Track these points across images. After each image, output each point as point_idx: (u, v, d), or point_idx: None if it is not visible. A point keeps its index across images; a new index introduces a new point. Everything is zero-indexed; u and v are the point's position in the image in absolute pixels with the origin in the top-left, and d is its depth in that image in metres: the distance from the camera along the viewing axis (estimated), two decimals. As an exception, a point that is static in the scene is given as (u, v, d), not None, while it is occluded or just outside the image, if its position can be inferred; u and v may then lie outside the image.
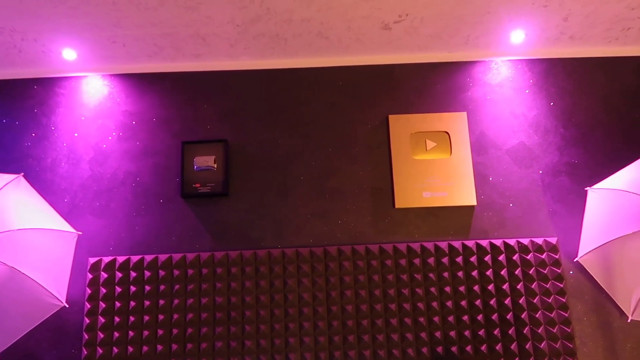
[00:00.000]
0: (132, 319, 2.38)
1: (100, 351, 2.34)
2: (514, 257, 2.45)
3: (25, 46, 2.49)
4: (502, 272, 2.43)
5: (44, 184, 2.55)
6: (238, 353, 2.35)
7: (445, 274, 2.44)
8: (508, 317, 2.39)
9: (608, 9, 2.39)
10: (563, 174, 2.60)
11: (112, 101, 2.69)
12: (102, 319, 2.38)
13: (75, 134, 2.64)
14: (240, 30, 2.45)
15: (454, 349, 2.36)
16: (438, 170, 2.56)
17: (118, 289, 2.41)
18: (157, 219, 2.54)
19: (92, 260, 2.45)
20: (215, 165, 2.54)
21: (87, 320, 2.38)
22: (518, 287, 2.42)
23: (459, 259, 2.46)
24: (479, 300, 2.41)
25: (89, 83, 2.71)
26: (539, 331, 2.36)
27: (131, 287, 2.42)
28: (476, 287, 2.42)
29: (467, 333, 2.38)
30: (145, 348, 2.35)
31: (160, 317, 2.39)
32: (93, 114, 2.67)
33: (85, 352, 2.34)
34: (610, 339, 2.40)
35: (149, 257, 2.45)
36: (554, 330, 2.37)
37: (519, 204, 2.56)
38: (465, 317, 2.39)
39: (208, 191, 2.52)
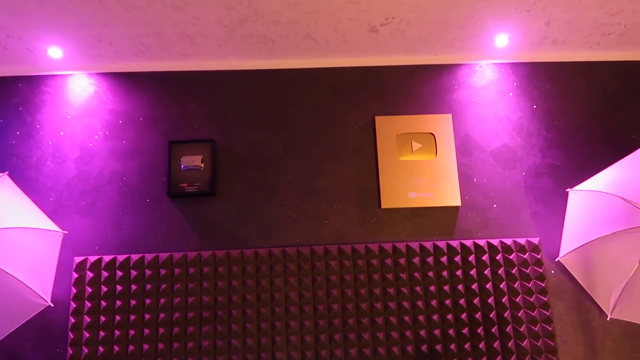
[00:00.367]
0: (118, 318, 2.37)
1: (86, 350, 2.33)
2: (497, 257, 2.49)
3: (10, 44, 2.47)
4: (486, 272, 2.47)
5: (29, 183, 2.53)
6: (225, 352, 2.36)
7: (430, 274, 2.47)
8: (491, 315, 2.42)
9: (589, 15, 2.44)
10: (545, 176, 2.65)
11: (99, 100, 2.68)
12: (87, 318, 2.37)
13: (61, 133, 2.62)
14: (228, 31, 2.45)
15: (438, 347, 2.39)
16: (423, 171, 2.60)
17: (104, 288, 2.40)
18: (143, 218, 2.53)
19: (77, 259, 2.44)
20: (203, 165, 2.55)
21: (72, 320, 2.36)
22: (501, 286, 2.46)
23: (444, 259, 2.49)
24: (463, 299, 2.44)
25: (75, 81, 2.70)
26: (521, 329, 2.41)
27: (117, 286, 2.41)
28: (460, 286, 2.46)
29: (451, 331, 2.41)
30: (131, 347, 2.35)
31: (147, 316, 2.38)
32: (79, 113, 2.66)
33: (71, 352, 2.33)
34: (590, 336, 2.45)
35: (135, 257, 2.45)
36: (536, 329, 2.41)
37: (503, 204, 2.60)
38: (450, 316, 2.43)
39: (195, 191, 2.53)
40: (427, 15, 2.39)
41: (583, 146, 2.69)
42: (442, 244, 2.51)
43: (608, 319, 2.21)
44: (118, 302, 2.39)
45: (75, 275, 2.42)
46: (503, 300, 2.44)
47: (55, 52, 2.55)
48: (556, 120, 2.72)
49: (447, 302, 2.44)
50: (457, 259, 2.49)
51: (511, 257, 2.49)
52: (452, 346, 2.39)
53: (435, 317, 2.42)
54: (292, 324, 2.40)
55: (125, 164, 2.60)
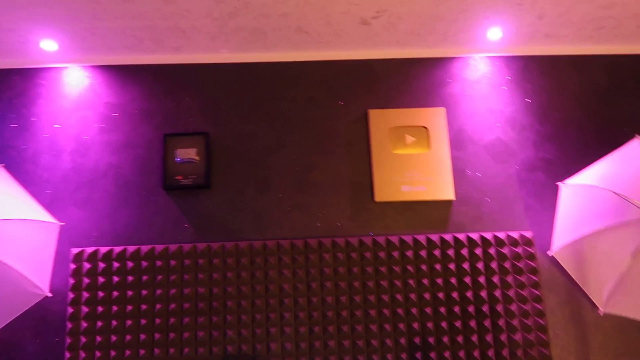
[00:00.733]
0: (115, 308, 2.41)
1: (84, 340, 2.37)
2: (491, 250, 2.50)
3: (2, 36, 2.46)
4: (479, 265, 2.49)
5: (25, 175, 2.55)
6: (220, 342, 2.39)
7: (423, 267, 2.48)
8: (484, 308, 2.44)
9: (580, 9, 2.42)
10: (538, 170, 2.65)
11: (93, 93, 2.69)
12: (85, 309, 2.40)
13: (56, 125, 2.64)
14: (220, 24, 2.45)
15: (431, 339, 2.41)
16: (417, 164, 2.60)
17: (101, 279, 2.44)
18: (139, 210, 2.55)
19: (74, 250, 2.47)
20: (197, 158, 2.56)
21: (70, 310, 2.40)
22: (494, 279, 2.47)
23: (437, 252, 2.50)
24: (456, 292, 2.46)
25: (70, 74, 2.71)
26: (514, 322, 2.42)
27: (114, 277, 2.44)
28: (453, 280, 2.47)
29: (443, 324, 2.43)
30: (128, 337, 2.38)
31: (143, 306, 2.41)
32: (74, 106, 2.67)
33: (69, 341, 2.37)
34: (582, 330, 2.47)
35: (131, 248, 2.47)
36: (528, 322, 2.43)
37: (496, 198, 2.61)
38: (442, 309, 2.44)
39: (190, 183, 2.54)
40: (417, 9, 2.37)
41: (575, 140, 2.68)
42: (435, 237, 2.52)
43: (600, 313, 2.22)
44: (115, 293, 2.42)
45: (72, 266, 2.45)
46: (496, 293, 2.46)
47: (48, 44, 2.55)
48: (549, 114, 2.71)
49: (440, 294, 2.45)
50: (451, 252, 2.50)
51: (504, 250, 2.50)
52: (445, 339, 2.41)
53: (428, 309, 2.44)
54: (287, 316, 2.43)
55: (120, 156, 2.61)
